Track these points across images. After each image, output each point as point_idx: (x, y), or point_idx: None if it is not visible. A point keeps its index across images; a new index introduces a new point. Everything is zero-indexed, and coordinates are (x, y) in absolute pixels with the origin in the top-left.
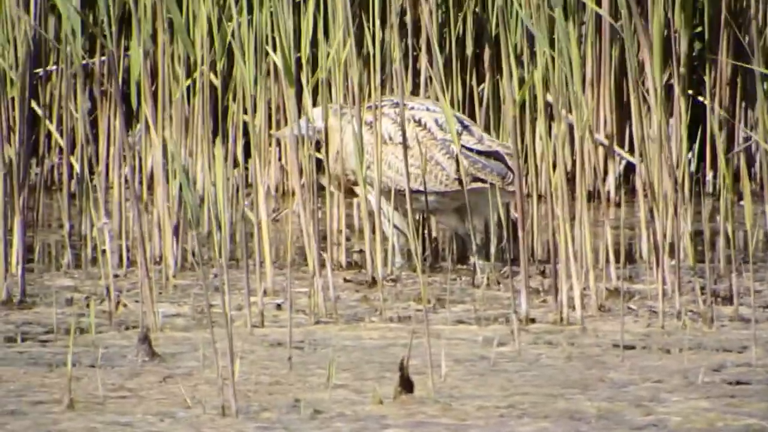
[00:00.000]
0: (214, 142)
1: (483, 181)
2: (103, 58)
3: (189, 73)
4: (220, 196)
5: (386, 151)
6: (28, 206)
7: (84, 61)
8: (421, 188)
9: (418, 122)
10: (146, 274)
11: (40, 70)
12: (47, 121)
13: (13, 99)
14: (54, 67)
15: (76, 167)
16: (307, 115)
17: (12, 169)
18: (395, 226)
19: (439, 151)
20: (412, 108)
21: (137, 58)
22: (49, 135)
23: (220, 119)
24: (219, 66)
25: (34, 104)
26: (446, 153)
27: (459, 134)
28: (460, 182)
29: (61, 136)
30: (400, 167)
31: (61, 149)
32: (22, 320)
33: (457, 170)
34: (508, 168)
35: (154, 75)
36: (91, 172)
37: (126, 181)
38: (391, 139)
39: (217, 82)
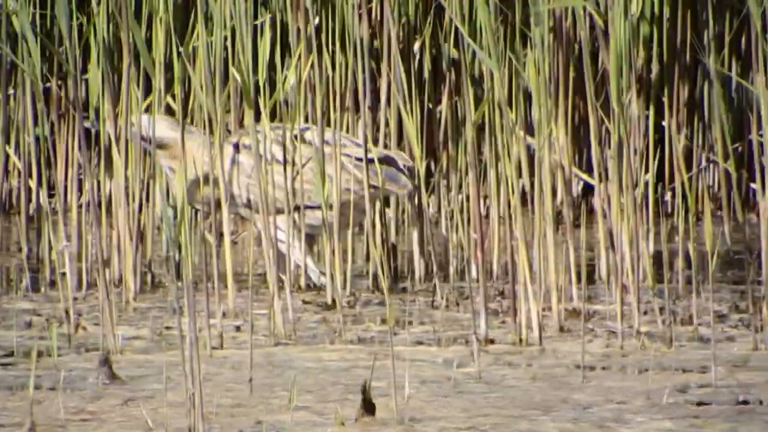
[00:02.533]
0: None
1: (374, 187)
2: (60, 81)
3: (146, 96)
4: (180, 217)
5: (275, 171)
6: None
7: (45, 84)
8: (313, 204)
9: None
10: (106, 296)
11: None
12: (5, 145)
13: None
14: (12, 91)
15: (34, 190)
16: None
17: None
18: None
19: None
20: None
21: (96, 81)
22: (7, 158)
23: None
24: (176, 90)
25: None
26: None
27: (344, 147)
28: (352, 192)
29: (19, 159)
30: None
31: (19, 172)
32: None
33: (348, 180)
34: (400, 171)
35: (115, 98)
36: (50, 196)
37: (85, 204)
38: (275, 159)
39: (176, 106)
